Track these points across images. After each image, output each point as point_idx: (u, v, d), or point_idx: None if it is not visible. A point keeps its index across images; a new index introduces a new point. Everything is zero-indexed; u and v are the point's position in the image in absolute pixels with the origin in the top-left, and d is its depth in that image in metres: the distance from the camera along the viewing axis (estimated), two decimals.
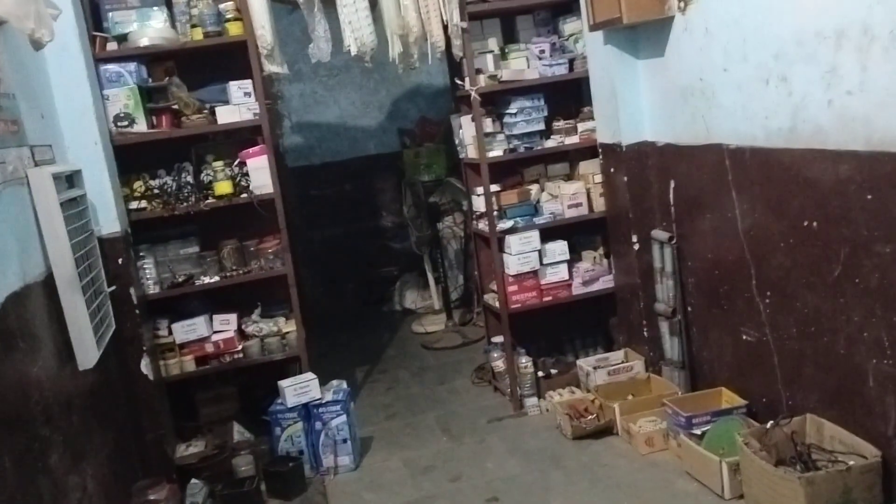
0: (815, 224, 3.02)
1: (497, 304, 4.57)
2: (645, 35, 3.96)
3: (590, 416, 4.09)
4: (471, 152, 4.57)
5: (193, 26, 4.11)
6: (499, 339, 4.67)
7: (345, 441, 4.07)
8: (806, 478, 2.89)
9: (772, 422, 3.22)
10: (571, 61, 4.44)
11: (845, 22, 2.69)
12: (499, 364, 4.70)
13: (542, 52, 4.40)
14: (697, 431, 3.56)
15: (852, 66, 2.69)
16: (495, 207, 4.42)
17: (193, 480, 3.78)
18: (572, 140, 4.48)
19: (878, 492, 2.86)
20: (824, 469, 2.96)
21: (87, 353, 3.04)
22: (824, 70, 2.82)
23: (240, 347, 4.30)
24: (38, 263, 2.88)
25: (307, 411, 4.08)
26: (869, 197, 2.73)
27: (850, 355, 2.96)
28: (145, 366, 3.86)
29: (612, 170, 4.32)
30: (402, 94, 7.61)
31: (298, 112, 7.54)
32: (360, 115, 7.66)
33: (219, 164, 4.21)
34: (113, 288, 3.60)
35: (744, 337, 3.62)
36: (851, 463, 2.91)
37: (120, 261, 3.80)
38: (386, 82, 7.50)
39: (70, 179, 3.36)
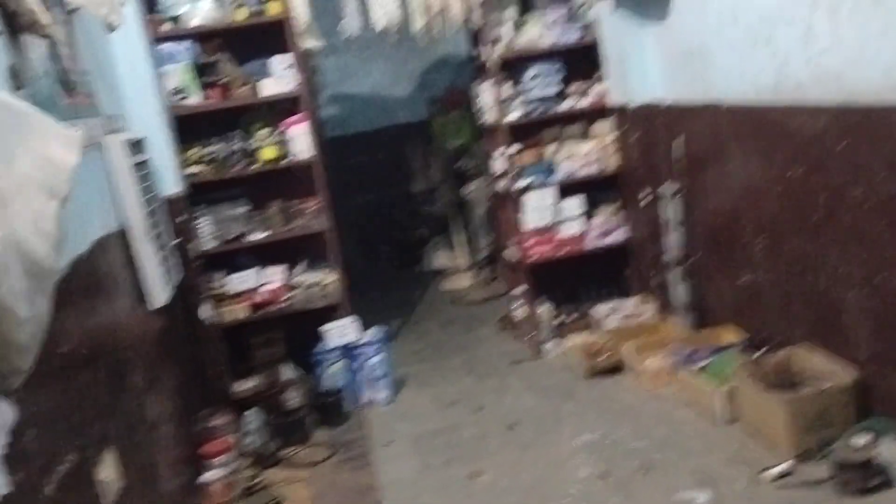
0: (798, 172, 3.37)
1: (516, 258, 4.96)
2: (650, 2, 4.28)
3: (602, 357, 4.48)
4: (491, 116, 4.95)
5: (238, 6, 4.51)
6: (519, 289, 5.07)
7: (381, 378, 4.52)
8: (788, 398, 3.27)
9: (759, 352, 3.60)
10: (584, 28, 4.78)
11: None
12: (520, 313, 5.11)
13: (556, 20, 4.74)
14: (698, 365, 3.94)
15: (825, 26, 3.02)
16: (514, 167, 4.81)
17: (249, 411, 4.25)
18: (585, 102, 4.84)
19: (853, 409, 3.21)
20: (804, 390, 3.34)
21: (157, 294, 3.51)
22: (802, 30, 3.15)
23: (287, 297, 4.75)
24: (114, 217, 3.34)
25: (348, 351, 4.54)
26: (842, 146, 3.07)
27: (829, 290, 3.32)
28: (205, 310, 4.33)
29: (623, 129, 4.68)
30: (430, 65, 7.97)
31: (334, 84, 7.95)
32: (391, 85, 8.04)
33: (264, 132, 4.64)
34: (178, 241, 4.07)
35: (741, 280, 3.98)
36: (829, 384, 3.27)
37: (181, 218, 4.26)
38: (415, 53, 7.85)
39: (136, 146, 3.81)
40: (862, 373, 3.21)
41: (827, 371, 3.37)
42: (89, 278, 2.76)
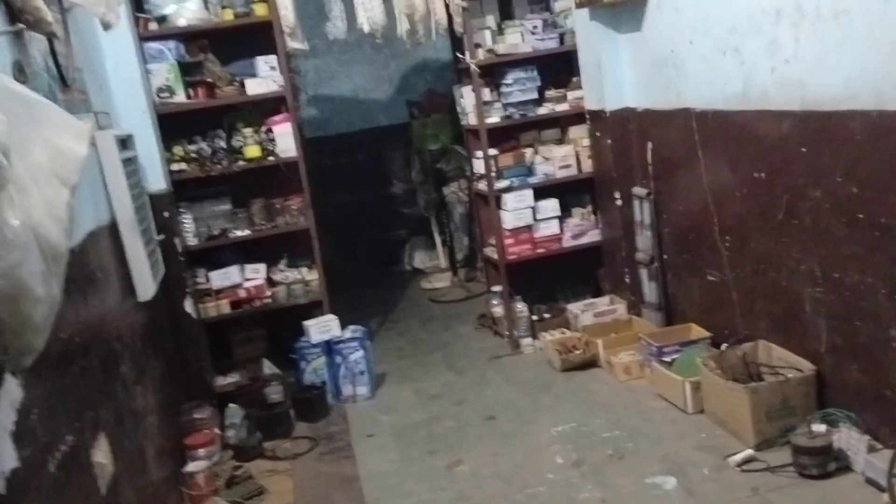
0: (762, 175, 3.55)
1: (496, 256, 5.11)
2: (625, 12, 4.45)
3: (577, 352, 4.64)
4: (471, 119, 5.10)
5: (224, 7, 4.61)
6: (498, 287, 5.22)
7: (362, 373, 4.64)
8: (750, 388, 3.44)
9: (725, 345, 3.77)
10: (562, 36, 4.95)
11: (782, 1, 3.19)
12: (498, 310, 5.26)
13: (535, 27, 4.91)
14: (667, 359, 4.11)
15: (788, 38, 3.20)
16: (493, 169, 4.95)
17: (231, 405, 4.35)
18: (562, 107, 5.01)
19: (813, 399, 3.40)
20: (766, 381, 3.51)
21: (146, 286, 3.60)
22: (767, 42, 3.33)
23: (269, 293, 4.85)
24: (105, 211, 3.43)
25: (329, 347, 4.65)
26: (803, 150, 3.25)
27: (791, 286, 3.49)
28: (189, 305, 4.43)
29: (598, 134, 4.85)
30: (410, 68, 8.09)
31: (314, 86, 8.04)
32: (372, 88, 8.16)
33: (248, 131, 4.74)
34: (162, 237, 4.16)
35: (709, 278, 4.15)
36: (790, 375, 3.45)
37: (166, 214, 4.36)
38: (395, 57, 7.98)
39: (124, 142, 3.90)
40: (821, 365, 3.39)
41: (789, 363, 3.54)
42: (82, 269, 2.85)
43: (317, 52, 7.89)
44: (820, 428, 3.19)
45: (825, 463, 3.08)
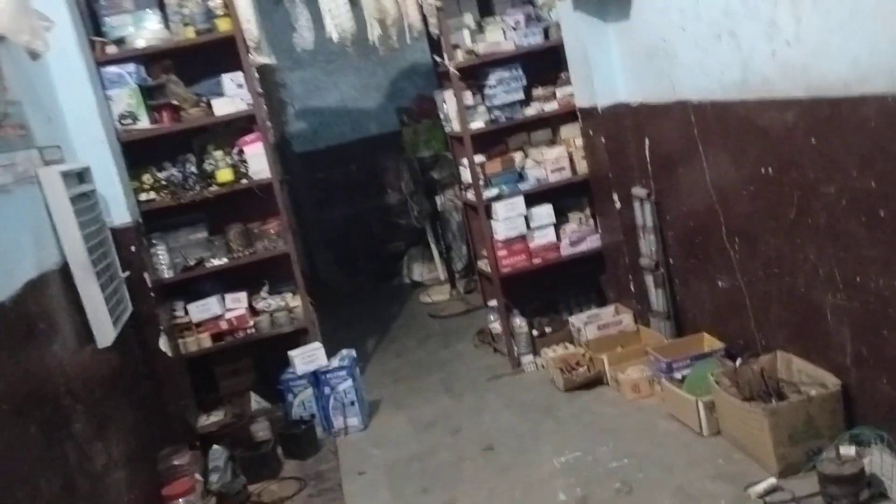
0: (770, 170, 3.21)
1: (489, 270, 4.80)
2: (610, 0, 4.13)
3: (581, 369, 4.32)
4: (455, 125, 4.79)
5: (186, 25, 4.34)
6: (494, 302, 4.91)
7: (352, 403, 4.35)
8: (769, 409, 3.10)
9: (739, 360, 3.43)
10: (546, 30, 4.62)
11: None
12: (496, 326, 4.94)
13: (517, 23, 4.59)
14: (678, 375, 3.78)
15: (788, 18, 2.87)
16: (481, 177, 4.64)
17: (215, 446, 4.07)
18: (551, 106, 4.68)
19: (840, 418, 3.06)
20: (787, 400, 3.17)
21: (105, 332, 3.32)
22: (765, 23, 3.00)
23: (251, 323, 4.57)
24: (53, 253, 3.15)
25: (316, 378, 4.36)
26: (813, 141, 2.91)
27: (809, 292, 3.16)
28: (163, 344, 4.15)
29: (590, 132, 4.52)
30: (398, 74, 7.82)
31: (301, 98, 7.78)
32: (360, 97, 7.89)
33: (219, 154, 4.46)
34: (127, 273, 3.88)
35: (719, 283, 3.82)
36: (813, 392, 3.11)
37: (133, 248, 4.07)
38: (382, 64, 7.70)
39: (80, 176, 3.63)
40: (847, 379, 3.05)
41: (811, 377, 3.21)
42: (16, 324, 2.58)
43: (302, 64, 7.65)
44: (849, 451, 2.86)
45: (857, 492, 2.74)
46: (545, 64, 4.78)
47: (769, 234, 3.33)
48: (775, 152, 3.15)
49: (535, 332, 4.78)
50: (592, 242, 4.79)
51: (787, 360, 3.38)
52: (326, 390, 4.35)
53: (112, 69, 4.23)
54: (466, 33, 4.55)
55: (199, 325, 4.51)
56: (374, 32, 4.32)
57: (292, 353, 4.37)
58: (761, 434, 3.10)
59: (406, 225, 7.45)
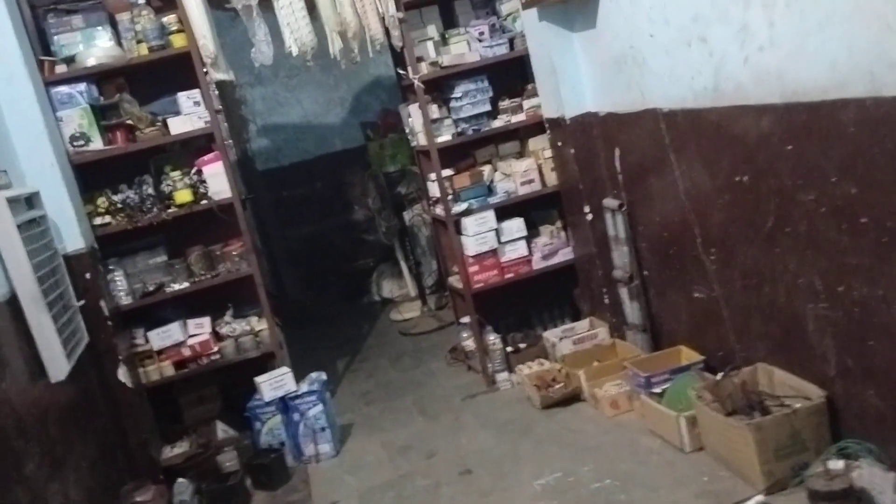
0: (745, 178, 3.13)
1: (461, 286, 4.68)
2: (576, 8, 4.05)
3: (557, 386, 4.21)
4: (421, 139, 4.68)
5: (139, 42, 4.19)
6: (467, 319, 4.79)
7: (323, 429, 4.19)
8: (754, 424, 3.01)
9: (721, 373, 3.34)
10: (511, 40, 4.53)
11: None
12: (469, 343, 4.82)
13: (482, 34, 4.49)
14: (657, 390, 3.68)
15: (761, 22, 2.80)
16: (449, 191, 4.53)
17: (180, 480, 3.88)
18: (519, 118, 4.59)
19: (826, 431, 2.97)
20: (772, 414, 3.08)
21: (58, 366, 3.15)
22: (737, 28, 2.93)
23: (216, 349, 4.40)
24: (0, 284, 2.98)
25: (284, 404, 4.20)
26: (789, 147, 2.84)
27: (790, 302, 3.07)
28: (123, 374, 3.96)
29: (559, 143, 4.43)
30: (362, 88, 7.71)
31: (263, 115, 7.64)
32: (324, 112, 7.76)
33: (177, 174, 4.30)
34: (82, 302, 3.70)
35: (695, 295, 3.73)
36: (798, 405, 3.02)
37: (88, 276, 3.90)
38: (346, 78, 7.58)
39: (29, 201, 3.46)
40: (831, 391, 2.97)
41: (795, 390, 3.13)
42: None
43: (262, 80, 7.52)
44: (837, 465, 2.76)
45: None
46: (511, 75, 4.69)
47: (746, 243, 3.25)
48: (750, 160, 3.07)
49: (509, 349, 4.65)
50: (564, 255, 4.69)
51: (769, 372, 3.30)
52: (296, 416, 4.18)
53: (62, 89, 4.07)
54: (430, 45, 4.44)
55: (160, 352, 4.34)
56: (334, 46, 4.19)
57: (259, 380, 4.21)
58: (746, 450, 3.01)
59: (374, 241, 7.31)
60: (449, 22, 4.66)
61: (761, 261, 3.18)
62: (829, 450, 2.87)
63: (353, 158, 7.48)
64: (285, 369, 4.27)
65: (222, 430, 4.40)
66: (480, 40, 4.48)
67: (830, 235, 2.75)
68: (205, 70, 4.16)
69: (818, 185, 2.74)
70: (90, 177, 4.19)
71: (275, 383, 4.20)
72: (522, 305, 4.94)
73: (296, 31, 4.06)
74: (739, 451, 3.06)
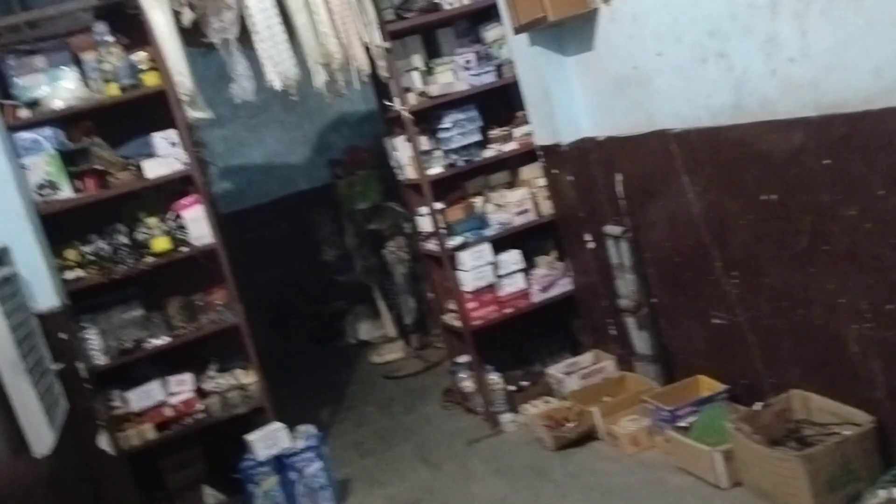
0: (773, 196, 3.01)
1: (457, 324, 4.46)
2: (571, 31, 3.92)
3: (570, 424, 4.00)
4: (409, 173, 4.47)
5: (107, 81, 3.91)
6: (464, 358, 4.56)
7: (323, 488, 3.89)
8: (805, 455, 2.85)
9: (761, 403, 3.18)
10: (499, 68, 4.38)
11: None
12: (467, 384, 4.59)
13: (468, 62, 4.33)
14: (683, 423, 3.50)
15: (791, 32, 2.69)
16: (442, 225, 4.32)
17: None
18: (510, 147, 4.43)
19: (877, 458, 2.83)
20: (820, 443, 2.92)
21: (41, 438, 2.84)
22: (762, 40, 2.82)
23: (201, 406, 4.09)
24: None
25: (280, 463, 3.90)
26: (826, 162, 2.72)
27: (828, 324, 2.94)
28: (104, 442, 3.63)
29: (555, 171, 4.28)
30: (325, 126, 7.49)
31: (223, 157, 7.32)
32: (287, 151, 7.51)
33: (153, 221, 4.03)
34: (62, 366, 3.38)
35: (714, 321, 3.58)
36: (847, 433, 2.87)
37: (63, 335, 3.58)
38: (308, 115, 7.36)
39: None
40: (880, 415, 2.83)
41: (838, 416, 2.98)
42: None
43: (222, 121, 7.19)
44: (893, 493, 2.62)
45: None
46: (498, 103, 4.53)
47: (775, 264, 3.11)
48: (780, 177, 2.94)
49: (510, 388, 4.43)
50: (563, 286, 4.51)
51: (805, 399, 3.15)
52: (293, 475, 3.89)
53: (26, 135, 3.79)
54: (416, 75, 4.26)
55: (139, 414, 4.01)
56: (319, 78, 3.97)
57: (250, 437, 3.90)
58: (796, 483, 2.84)
59: (346, 282, 7.03)
60: (433, 51, 4.48)
61: (793, 282, 3.04)
62: (882, 477, 2.72)
63: (320, 197, 7.21)
64: (279, 425, 3.97)
65: (210, 496, 4.08)
66: (468, 68, 4.32)
67: (877, 251, 2.63)
68: (181, 109, 3.89)
69: (861, 199, 2.62)
70: (56, 228, 3.88)
71: (268, 441, 3.90)
72: (520, 341, 4.73)
73: (279, 65, 3.84)
74: (787, 484, 2.89)
